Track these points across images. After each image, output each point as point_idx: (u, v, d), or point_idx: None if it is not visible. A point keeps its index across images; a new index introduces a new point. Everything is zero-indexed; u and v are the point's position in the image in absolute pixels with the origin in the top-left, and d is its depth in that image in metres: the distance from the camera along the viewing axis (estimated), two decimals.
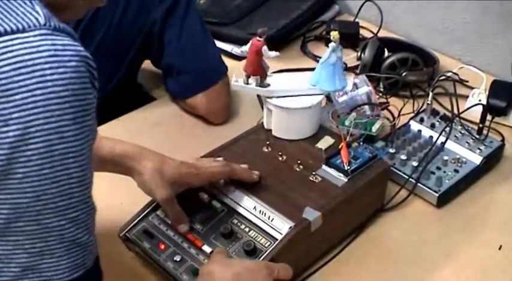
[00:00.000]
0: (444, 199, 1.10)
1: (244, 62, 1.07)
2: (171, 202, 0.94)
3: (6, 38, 0.52)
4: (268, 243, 0.92)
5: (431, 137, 1.19)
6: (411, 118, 1.25)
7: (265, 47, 1.01)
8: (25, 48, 0.52)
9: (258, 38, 1.02)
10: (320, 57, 1.11)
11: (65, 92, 0.52)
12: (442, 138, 1.17)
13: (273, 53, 1.03)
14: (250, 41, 1.03)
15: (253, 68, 1.05)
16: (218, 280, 0.83)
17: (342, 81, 1.06)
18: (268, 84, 1.06)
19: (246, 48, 1.04)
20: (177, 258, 0.93)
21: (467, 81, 1.41)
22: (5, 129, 0.51)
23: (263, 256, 0.90)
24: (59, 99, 0.52)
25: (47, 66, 0.52)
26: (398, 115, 1.23)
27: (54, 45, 0.53)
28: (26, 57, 0.51)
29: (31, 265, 0.55)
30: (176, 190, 0.95)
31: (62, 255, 0.56)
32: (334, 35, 1.02)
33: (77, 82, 0.53)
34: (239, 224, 0.95)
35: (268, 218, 0.94)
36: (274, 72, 1.11)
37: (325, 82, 1.05)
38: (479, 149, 1.17)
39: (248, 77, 1.06)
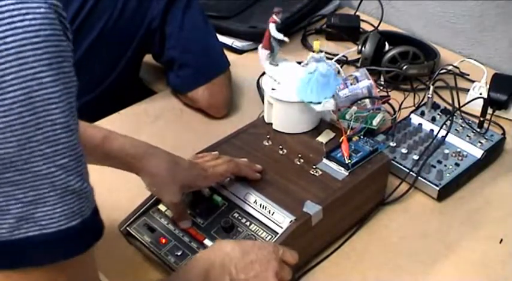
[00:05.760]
0: (445, 193, 1.10)
1: (245, 55, 1.07)
2: (178, 204, 0.94)
3: None
4: (269, 237, 0.92)
5: (432, 130, 1.19)
6: (412, 112, 1.25)
7: (272, 24, 1.04)
8: None
9: (274, 15, 1.05)
10: (321, 51, 1.10)
11: (37, 38, 0.52)
12: (442, 132, 1.17)
13: (279, 35, 1.05)
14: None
15: (264, 42, 1.07)
16: (223, 249, 0.85)
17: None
18: (277, 64, 1.09)
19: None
20: (178, 252, 0.93)
21: (468, 75, 1.41)
22: None
23: None
24: (32, 45, 0.52)
25: (15, 13, 0.51)
26: (399, 109, 1.23)
27: None
28: None
29: (25, 214, 0.55)
30: (184, 191, 0.96)
31: (56, 203, 0.56)
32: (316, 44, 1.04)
33: (48, 28, 0.53)
34: (240, 218, 0.95)
35: (269, 212, 0.94)
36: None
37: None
38: (480, 142, 1.17)
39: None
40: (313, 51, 1.04)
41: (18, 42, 0.51)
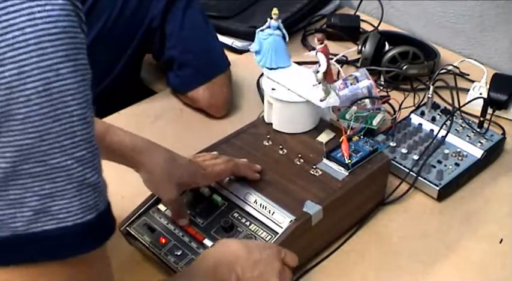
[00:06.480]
0: (445, 193, 1.10)
1: (245, 55, 1.07)
2: (176, 201, 0.94)
3: None
4: (269, 237, 0.92)
5: (432, 130, 1.19)
6: (412, 112, 1.25)
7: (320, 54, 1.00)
8: None
9: (317, 41, 1.00)
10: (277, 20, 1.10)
11: (55, 29, 0.52)
12: (442, 132, 1.17)
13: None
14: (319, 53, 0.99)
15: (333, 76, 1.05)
16: (230, 248, 0.85)
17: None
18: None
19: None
20: (178, 252, 0.93)
21: (468, 75, 1.41)
22: (1, 69, 0.51)
23: None
24: (50, 36, 0.52)
25: (33, 4, 0.51)
26: (399, 109, 1.23)
27: None
28: None
29: (42, 207, 0.55)
30: (182, 189, 0.96)
31: (73, 196, 0.55)
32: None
33: (65, 20, 0.53)
34: (240, 217, 0.95)
35: (269, 212, 0.94)
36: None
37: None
38: (480, 142, 1.17)
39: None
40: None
41: (37, 33, 0.51)
